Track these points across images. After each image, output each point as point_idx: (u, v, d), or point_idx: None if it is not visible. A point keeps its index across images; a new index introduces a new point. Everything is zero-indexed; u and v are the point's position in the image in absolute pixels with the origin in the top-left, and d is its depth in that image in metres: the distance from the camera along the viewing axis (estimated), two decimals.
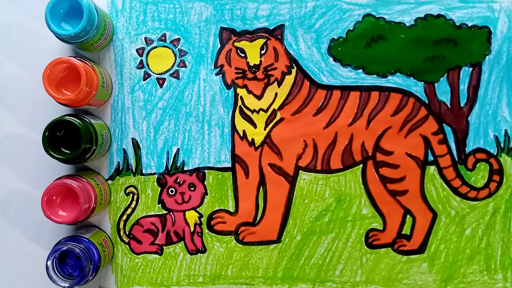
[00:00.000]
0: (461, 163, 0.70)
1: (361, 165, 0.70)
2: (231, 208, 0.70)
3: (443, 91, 0.69)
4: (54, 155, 0.63)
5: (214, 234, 0.70)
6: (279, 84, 0.69)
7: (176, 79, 0.70)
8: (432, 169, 0.70)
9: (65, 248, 0.64)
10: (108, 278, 0.71)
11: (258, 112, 0.70)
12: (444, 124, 0.70)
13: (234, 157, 0.70)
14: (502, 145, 0.69)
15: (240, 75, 0.69)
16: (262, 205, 0.70)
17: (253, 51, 0.69)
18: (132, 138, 0.70)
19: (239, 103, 0.70)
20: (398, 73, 0.69)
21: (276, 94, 0.69)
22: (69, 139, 0.65)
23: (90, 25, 0.63)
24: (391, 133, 0.69)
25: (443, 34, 0.69)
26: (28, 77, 0.70)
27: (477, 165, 0.70)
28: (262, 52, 0.69)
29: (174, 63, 0.70)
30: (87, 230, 0.69)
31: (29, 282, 0.71)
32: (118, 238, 0.70)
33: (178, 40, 0.70)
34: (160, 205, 0.70)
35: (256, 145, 0.70)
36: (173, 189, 0.70)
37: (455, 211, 0.70)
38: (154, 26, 0.70)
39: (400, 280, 0.70)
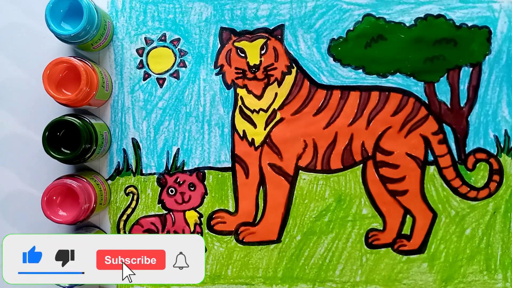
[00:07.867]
0: (461, 163, 0.70)
1: (361, 165, 0.70)
2: (231, 208, 0.70)
3: (443, 91, 0.69)
4: (54, 155, 0.63)
5: (214, 234, 0.70)
6: (279, 84, 0.69)
7: (176, 79, 0.70)
8: (432, 169, 0.70)
9: None
10: None
11: (258, 112, 0.69)
12: (444, 124, 0.69)
13: (234, 157, 0.70)
14: (502, 145, 0.69)
15: (240, 75, 0.69)
16: (262, 205, 0.70)
17: (253, 51, 0.69)
18: (132, 138, 0.70)
19: (239, 103, 0.70)
20: (398, 73, 0.69)
21: (276, 94, 0.69)
22: (69, 139, 0.65)
23: (90, 25, 0.63)
24: (391, 133, 0.69)
25: (443, 34, 0.69)
26: (28, 77, 0.70)
27: (477, 165, 0.70)
28: (262, 52, 0.69)
29: (174, 63, 0.70)
30: (87, 230, 0.69)
31: None
32: None
33: (178, 40, 0.70)
34: (160, 205, 0.70)
35: (256, 145, 0.70)
36: (173, 189, 0.70)
37: (455, 211, 0.70)
38: (154, 26, 0.70)
39: (400, 280, 0.70)
